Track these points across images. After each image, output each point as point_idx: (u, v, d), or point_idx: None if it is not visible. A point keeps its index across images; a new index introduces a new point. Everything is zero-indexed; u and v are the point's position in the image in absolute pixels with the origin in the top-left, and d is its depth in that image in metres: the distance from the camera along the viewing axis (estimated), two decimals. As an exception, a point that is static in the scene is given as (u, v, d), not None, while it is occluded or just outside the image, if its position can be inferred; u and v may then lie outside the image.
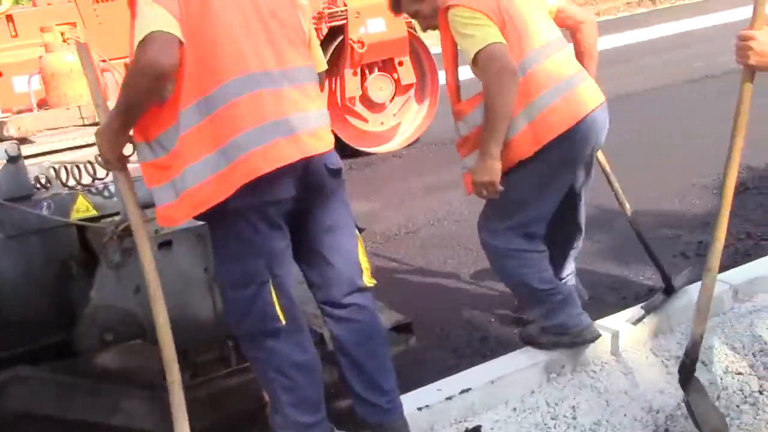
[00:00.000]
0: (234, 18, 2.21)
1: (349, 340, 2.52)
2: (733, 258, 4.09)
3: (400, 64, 6.87)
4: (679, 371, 2.68)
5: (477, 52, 2.71)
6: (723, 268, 3.89)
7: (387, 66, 6.90)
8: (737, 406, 2.91)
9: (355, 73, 6.64)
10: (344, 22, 6.43)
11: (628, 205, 3.37)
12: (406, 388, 3.03)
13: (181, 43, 2.11)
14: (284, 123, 2.22)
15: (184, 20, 2.12)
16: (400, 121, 7.20)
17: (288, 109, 2.25)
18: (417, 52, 7.00)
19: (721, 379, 3.04)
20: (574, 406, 2.93)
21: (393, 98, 7.02)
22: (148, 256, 2.26)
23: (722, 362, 3.13)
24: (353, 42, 6.46)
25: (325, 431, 2.53)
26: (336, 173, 2.40)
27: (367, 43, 6.48)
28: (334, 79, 6.72)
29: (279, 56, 2.28)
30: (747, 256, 4.05)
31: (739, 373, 3.08)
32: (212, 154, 2.17)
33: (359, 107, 6.86)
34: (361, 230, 2.58)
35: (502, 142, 2.74)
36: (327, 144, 2.36)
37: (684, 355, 2.67)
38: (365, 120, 6.96)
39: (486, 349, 3.48)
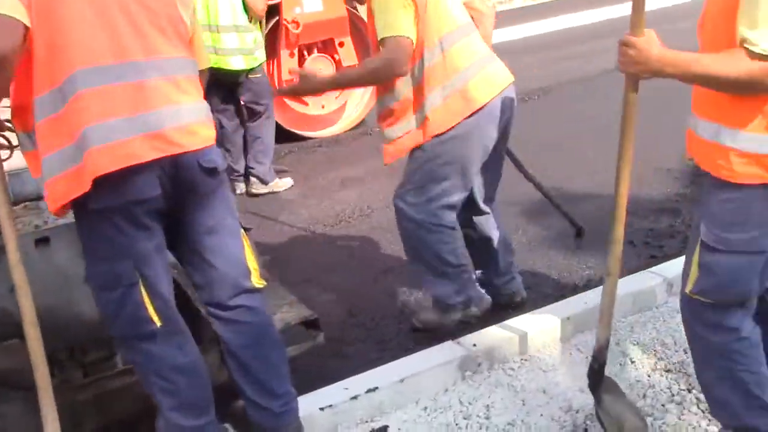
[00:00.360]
0: (87, 5, 2.08)
1: (237, 343, 2.45)
2: (681, 246, 3.95)
3: (341, 44, 6.65)
4: (588, 376, 2.57)
5: (386, 38, 2.81)
6: (667, 257, 3.80)
7: (327, 47, 6.69)
8: (663, 405, 2.82)
9: (291, 55, 6.44)
10: (279, 1, 6.21)
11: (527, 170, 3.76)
12: (324, 383, 2.96)
13: (26, 27, 1.98)
14: (144, 118, 2.12)
15: (32, 5, 2.00)
16: (345, 103, 6.98)
17: (155, 102, 2.14)
18: (360, 32, 6.76)
19: (649, 376, 2.96)
20: (488, 405, 2.84)
21: None
22: (13, 252, 2.16)
23: (651, 359, 3.05)
24: (288, 22, 6.26)
25: (213, 435, 2.43)
26: (211, 172, 2.30)
27: (302, 23, 6.28)
28: (270, 60, 6.50)
29: (147, 46, 2.17)
30: (695, 245, 3.90)
31: (668, 371, 2.99)
32: (68, 147, 2.10)
33: None
34: (246, 230, 2.47)
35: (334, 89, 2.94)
36: (202, 140, 2.26)
37: (592, 359, 2.55)
38: (305, 103, 6.74)
39: (412, 342, 3.36)
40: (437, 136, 2.94)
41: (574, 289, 3.63)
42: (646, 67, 2.04)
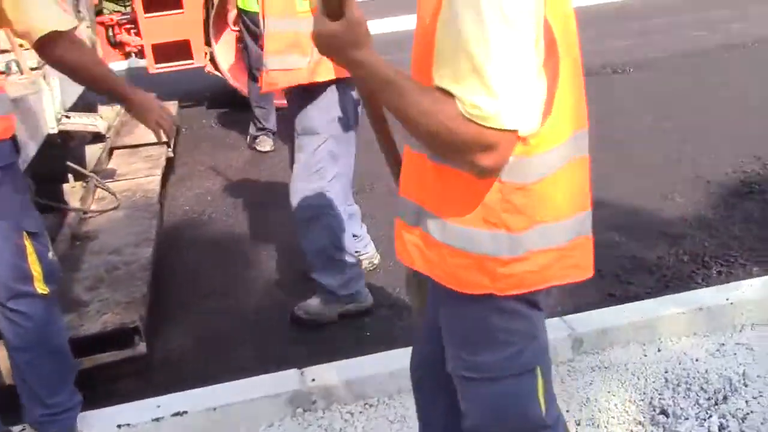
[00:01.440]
0: None
1: (13, 344, 2.42)
2: (654, 287, 3.37)
3: None
4: None
5: None
6: (624, 299, 3.22)
7: None
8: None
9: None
10: None
11: None
12: (196, 385, 2.80)
13: None
14: None
15: None
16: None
17: None
18: None
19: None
20: (309, 451, 2.54)
21: None
22: None
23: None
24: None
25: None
26: None
27: None
28: None
29: None
30: (666, 288, 3.29)
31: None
32: None
33: None
34: (32, 234, 2.30)
35: None
36: None
37: None
38: None
39: (294, 356, 3.06)
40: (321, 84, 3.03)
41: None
42: (339, 57, 1.34)
